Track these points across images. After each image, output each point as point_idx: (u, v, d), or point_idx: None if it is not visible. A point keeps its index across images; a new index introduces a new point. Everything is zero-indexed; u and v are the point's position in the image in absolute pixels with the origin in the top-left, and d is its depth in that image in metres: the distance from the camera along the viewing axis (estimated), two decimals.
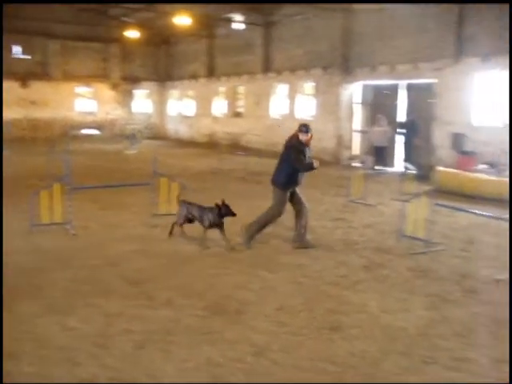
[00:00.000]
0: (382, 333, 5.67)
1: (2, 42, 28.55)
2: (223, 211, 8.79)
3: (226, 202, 8.83)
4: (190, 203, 9.23)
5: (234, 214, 8.83)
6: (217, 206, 8.80)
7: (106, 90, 35.03)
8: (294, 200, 9.04)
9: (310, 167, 8.88)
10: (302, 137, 9.04)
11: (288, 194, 8.95)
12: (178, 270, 7.62)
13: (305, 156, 8.90)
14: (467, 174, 15.21)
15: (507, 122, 17.08)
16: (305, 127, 9.17)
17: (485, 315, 6.21)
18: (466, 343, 5.49)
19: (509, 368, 4.61)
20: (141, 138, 29.18)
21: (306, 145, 9.04)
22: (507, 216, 9.67)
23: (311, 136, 9.16)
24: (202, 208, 9.03)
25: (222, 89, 31.43)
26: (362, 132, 22.55)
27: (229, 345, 5.30)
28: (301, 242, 8.95)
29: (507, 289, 7.10)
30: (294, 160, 8.84)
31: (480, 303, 6.62)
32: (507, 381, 4.48)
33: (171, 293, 6.64)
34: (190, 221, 9.19)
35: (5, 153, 18.78)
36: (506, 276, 7.55)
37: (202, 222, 8.96)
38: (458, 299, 6.73)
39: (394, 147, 20.53)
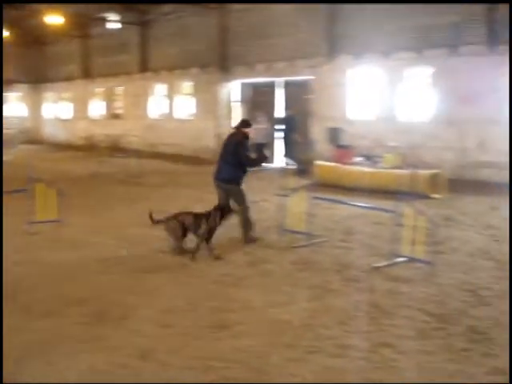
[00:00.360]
0: (267, 327, 5.73)
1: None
2: (226, 213, 8.54)
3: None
4: (178, 214, 8.45)
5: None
6: (217, 208, 8.46)
7: None
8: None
9: (260, 162, 9.96)
10: (249, 131, 9.50)
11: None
12: (59, 279, 7.33)
13: (248, 151, 9.43)
14: (344, 166, 15.70)
15: (380, 115, 17.83)
16: (247, 122, 9.66)
17: (364, 302, 6.42)
18: (348, 330, 5.64)
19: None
20: (16, 143, 27.99)
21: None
22: (383, 206, 10.04)
23: None
24: (196, 215, 8.42)
25: (99, 90, 30.77)
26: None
27: (113, 351, 5.16)
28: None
29: (385, 276, 7.41)
30: (242, 157, 9.20)
31: (360, 291, 6.83)
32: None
33: (52, 302, 6.39)
34: (186, 232, 8.37)
35: None
36: (384, 263, 7.86)
37: (196, 230, 8.33)
38: (339, 289, 6.93)
39: (273, 144, 20.86)
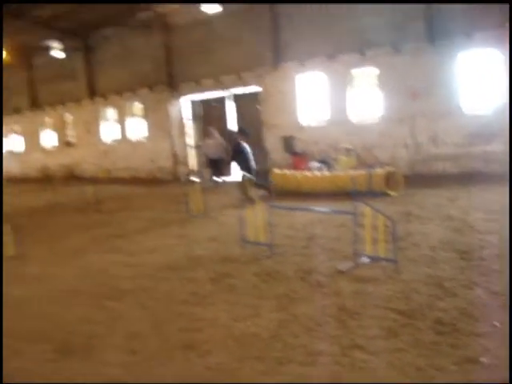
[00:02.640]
0: (235, 342, 5.64)
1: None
2: None
3: None
4: None
5: None
6: None
7: None
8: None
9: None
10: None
11: None
12: (18, 315, 7.12)
13: None
14: (301, 173, 15.74)
15: (331, 118, 17.94)
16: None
17: (331, 306, 6.38)
18: (316, 337, 5.60)
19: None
20: None
21: None
22: (342, 209, 10.08)
23: None
24: None
25: (48, 120, 30.32)
26: (196, 147, 22.69)
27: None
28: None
29: (350, 278, 7.39)
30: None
31: (326, 296, 6.79)
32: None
33: (16, 341, 6.17)
34: None
35: None
36: (348, 265, 7.84)
37: None
38: (305, 295, 6.87)
39: (229, 158, 20.78)
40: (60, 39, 27.25)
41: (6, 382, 4.50)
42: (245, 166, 14.79)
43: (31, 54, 29.64)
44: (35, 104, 31.10)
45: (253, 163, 14.91)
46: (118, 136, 25.97)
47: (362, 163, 15.68)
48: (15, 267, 9.59)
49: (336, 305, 6.43)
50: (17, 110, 31.93)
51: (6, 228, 9.91)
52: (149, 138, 24.26)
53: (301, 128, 18.72)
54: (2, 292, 7.29)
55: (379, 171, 14.29)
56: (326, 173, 15.39)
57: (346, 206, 10.56)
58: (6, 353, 5.91)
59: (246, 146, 14.99)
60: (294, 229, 10.86)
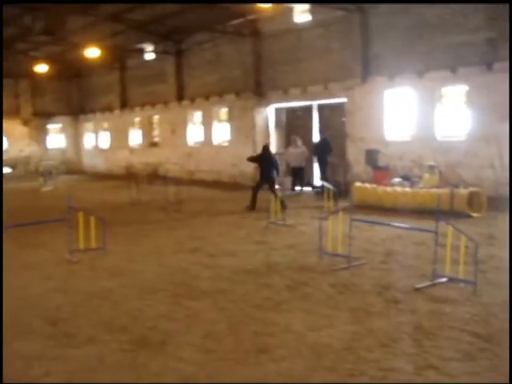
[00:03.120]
0: (308, 351, 5.68)
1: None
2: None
3: None
4: None
5: None
6: None
7: (17, 127, 34.00)
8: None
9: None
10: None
11: None
12: (99, 305, 7.40)
13: None
14: (383, 187, 15.60)
15: (416, 135, 17.69)
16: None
17: (407, 324, 6.34)
18: (390, 353, 5.56)
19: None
20: (57, 174, 28.51)
21: None
22: (423, 226, 9.94)
23: None
24: None
25: (136, 119, 31.18)
26: (278, 154, 22.79)
27: (155, 377, 5.17)
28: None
29: (427, 296, 7.30)
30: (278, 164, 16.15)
31: (402, 313, 6.75)
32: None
33: (93, 329, 6.44)
34: None
35: None
36: (425, 284, 7.75)
37: None
38: (380, 311, 6.85)
39: (312, 167, 20.82)
40: (153, 42, 28.07)
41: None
42: (267, 173, 15.68)
43: (125, 55, 30.61)
44: (125, 103, 32.06)
45: (274, 173, 15.70)
46: (202, 139, 26.41)
47: (444, 181, 15.37)
48: (98, 260, 9.95)
49: (412, 323, 6.38)
50: (108, 108, 32.99)
51: (92, 221, 10.25)
52: (231, 143, 24.57)
53: (386, 143, 18.53)
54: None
55: (462, 191, 14.01)
56: (408, 189, 15.20)
57: (426, 223, 10.44)
58: (82, 338, 6.17)
59: (274, 155, 16.34)
60: (372, 243, 10.81)
